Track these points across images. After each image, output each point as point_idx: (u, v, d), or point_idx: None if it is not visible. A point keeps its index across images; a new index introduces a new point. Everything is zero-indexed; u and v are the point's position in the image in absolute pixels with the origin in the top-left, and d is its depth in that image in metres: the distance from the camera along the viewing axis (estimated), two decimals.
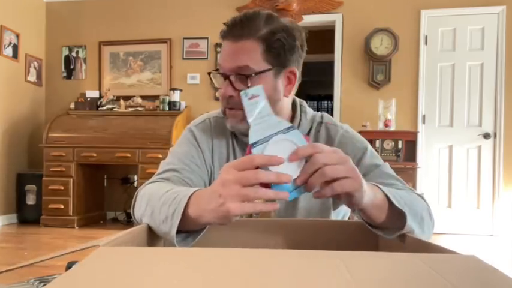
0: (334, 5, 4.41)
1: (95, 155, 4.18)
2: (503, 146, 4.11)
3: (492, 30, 4.15)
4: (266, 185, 0.63)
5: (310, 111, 1.04)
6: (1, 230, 4.09)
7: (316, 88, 7.52)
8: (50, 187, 4.21)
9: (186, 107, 4.50)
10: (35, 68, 4.83)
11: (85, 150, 4.19)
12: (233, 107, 0.94)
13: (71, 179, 4.21)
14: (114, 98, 4.65)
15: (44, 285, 0.84)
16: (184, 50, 4.72)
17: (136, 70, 4.84)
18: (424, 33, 4.25)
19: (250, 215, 0.99)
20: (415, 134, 3.99)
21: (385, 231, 0.76)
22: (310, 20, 4.39)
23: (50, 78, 4.99)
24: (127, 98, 4.66)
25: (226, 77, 0.93)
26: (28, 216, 4.38)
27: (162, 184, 0.87)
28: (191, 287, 0.39)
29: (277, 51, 0.90)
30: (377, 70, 4.32)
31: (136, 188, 4.23)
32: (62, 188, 4.19)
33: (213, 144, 1.03)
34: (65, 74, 4.98)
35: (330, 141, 0.99)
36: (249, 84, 0.89)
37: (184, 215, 0.69)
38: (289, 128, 0.66)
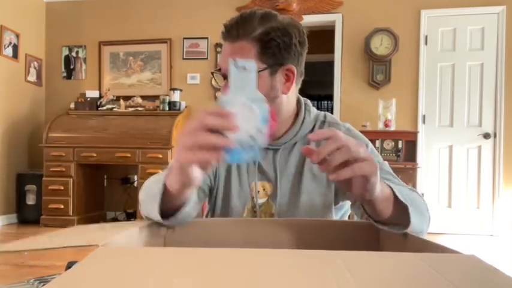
0: (334, 5, 4.41)
1: (95, 155, 4.18)
2: (503, 146, 4.11)
3: (492, 30, 4.15)
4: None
5: (314, 110, 1.05)
6: (1, 230, 4.09)
7: (316, 88, 7.52)
8: (50, 187, 4.21)
9: (186, 107, 4.50)
10: (35, 68, 4.83)
11: (85, 150, 4.19)
12: None
13: (71, 179, 4.21)
14: (114, 98, 4.65)
15: (43, 285, 0.84)
16: (184, 50, 4.72)
17: (136, 70, 4.84)
18: (424, 33, 4.25)
19: (254, 214, 0.99)
20: (415, 134, 3.99)
21: (389, 226, 0.76)
22: (310, 20, 4.39)
23: (50, 78, 4.99)
24: (127, 98, 4.66)
25: (225, 77, 0.95)
26: (28, 216, 4.38)
27: (155, 176, 0.89)
28: (191, 287, 0.39)
29: (273, 50, 0.91)
30: (377, 70, 4.32)
31: (137, 188, 4.24)
32: (62, 188, 4.19)
33: None
34: (65, 74, 4.98)
35: None
36: None
37: (165, 192, 0.73)
38: (261, 101, 0.63)
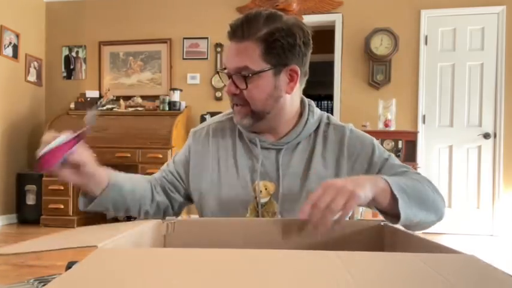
0: (334, 5, 4.41)
1: (95, 155, 4.16)
2: (503, 146, 4.11)
3: (492, 30, 4.15)
4: (56, 154, 0.83)
5: (317, 111, 1.07)
6: (1, 230, 4.09)
7: (316, 88, 7.50)
8: (50, 187, 4.21)
9: (186, 107, 4.50)
10: (35, 68, 4.83)
11: None
12: (238, 103, 0.99)
13: None
14: (114, 98, 4.65)
15: (43, 285, 0.84)
16: (184, 50, 4.72)
17: (136, 70, 4.84)
18: (424, 33, 4.25)
19: (256, 214, 0.99)
20: (415, 134, 3.99)
21: (387, 216, 0.87)
22: (310, 20, 4.39)
23: (50, 78, 4.99)
24: (127, 98, 4.66)
25: (229, 76, 0.97)
26: (28, 216, 4.38)
27: None
28: (191, 287, 0.39)
29: (277, 51, 0.93)
30: (377, 70, 4.32)
31: None
32: (62, 188, 4.19)
33: (210, 149, 1.07)
34: (65, 74, 4.98)
35: (341, 143, 1.03)
36: (248, 84, 0.94)
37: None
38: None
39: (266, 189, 1.00)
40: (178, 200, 1.08)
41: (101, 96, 4.70)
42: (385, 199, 0.82)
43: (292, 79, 0.97)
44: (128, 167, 4.47)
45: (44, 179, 4.24)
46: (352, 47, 4.40)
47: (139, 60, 4.83)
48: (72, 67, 4.97)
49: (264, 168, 1.01)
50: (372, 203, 0.83)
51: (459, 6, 4.17)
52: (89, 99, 4.62)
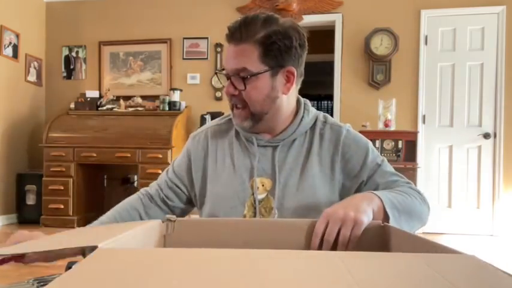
0: (334, 5, 4.41)
1: (94, 155, 4.18)
2: (503, 146, 4.11)
3: (492, 30, 4.15)
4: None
5: (313, 110, 1.09)
6: (1, 230, 4.09)
7: (316, 88, 7.51)
8: (50, 187, 4.21)
9: (186, 107, 4.50)
10: (35, 68, 4.83)
11: (85, 150, 4.19)
12: (236, 103, 1.01)
13: (71, 179, 4.21)
14: (114, 98, 4.65)
15: (43, 285, 0.84)
16: (184, 50, 4.72)
17: (136, 70, 4.84)
18: (424, 33, 4.25)
19: (254, 210, 1.00)
20: (415, 134, 3.99)
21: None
22: (310, 20, 4.39)
23: (50, 78, 4.99)
24: (127, 98, 4.66)
25: (228, 77, 0.99)
26: (28, 216, 4.38)
27: (122, 205, 1.11)
28: (191, 287, 0.39)
29: (274, 53, 0.96)
30: (377, 70, 4.32)
31: (137, 188, 4.24)
32: (62, 188, 4.19)
33: (209, 151, 1.09)
34: (65, 74, 4.98)
35: (336, 142, 1.04)
36: (246, 85, 0.97)
37: None
38: None
39: (263, 185, 1.02)
40: (179, 207, 1.11)
41: (101, 96, 4.70)
42: (379, 216, 0.86)
43: (288, 80, 1.00)
44: (128, 167, 4.49)
45: (44, 179, 4.24)
46: (352, 47, 4.39)
47: (139, 60, 4.83)
48: (72, 67, 4.97)
49: (261, 165, 1.03)
50: None
51: (459, 6, 4.17)
52: (89, 99, 4.62)
